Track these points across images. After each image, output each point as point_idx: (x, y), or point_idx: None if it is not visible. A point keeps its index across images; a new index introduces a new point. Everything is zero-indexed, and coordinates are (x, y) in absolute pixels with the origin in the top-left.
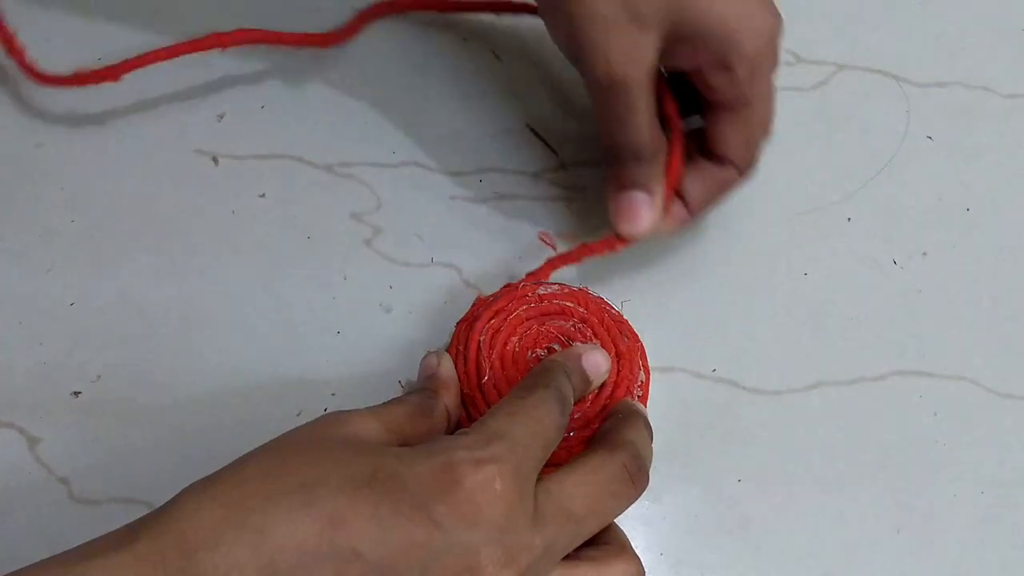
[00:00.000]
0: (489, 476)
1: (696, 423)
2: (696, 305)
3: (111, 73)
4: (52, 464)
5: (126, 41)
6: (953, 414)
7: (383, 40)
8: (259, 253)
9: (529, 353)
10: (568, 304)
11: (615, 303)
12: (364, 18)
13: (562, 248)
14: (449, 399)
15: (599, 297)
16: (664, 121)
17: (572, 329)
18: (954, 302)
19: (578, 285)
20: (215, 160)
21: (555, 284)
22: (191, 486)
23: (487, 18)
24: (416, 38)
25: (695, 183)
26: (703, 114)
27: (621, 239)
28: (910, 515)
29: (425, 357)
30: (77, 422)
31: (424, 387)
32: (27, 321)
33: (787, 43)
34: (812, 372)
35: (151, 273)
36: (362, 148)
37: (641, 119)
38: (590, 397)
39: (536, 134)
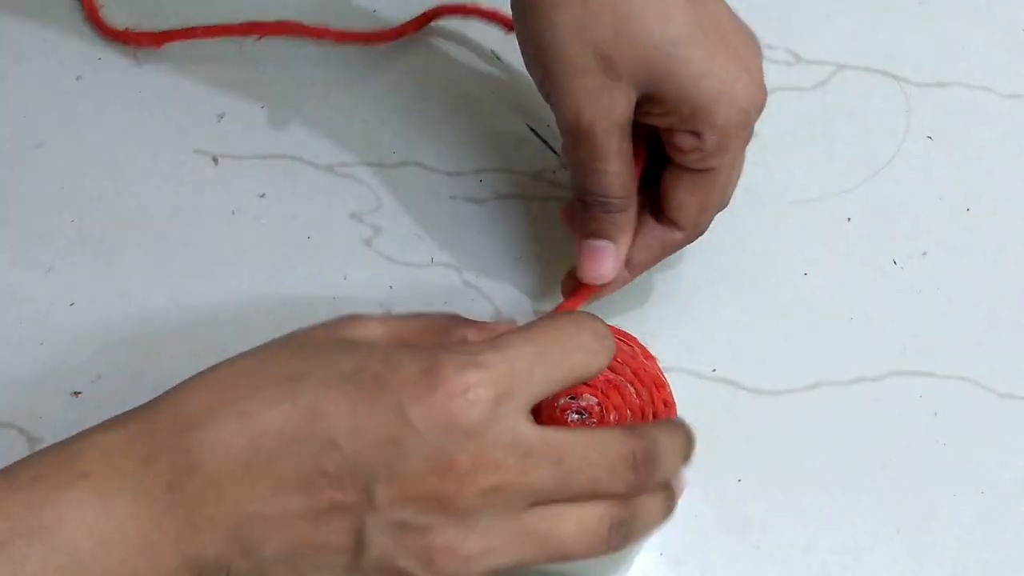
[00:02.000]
0: (467, 383)
1: (696, 423)
2: (696, 305)
3: (155, 40)
4: None
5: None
6: (953, 414)
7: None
8: (259, 253)
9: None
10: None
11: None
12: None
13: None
14: (474, 333)
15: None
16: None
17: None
18: (954, 302)
19: None
20: (215, 160)
21: None
22: (187, 379)
23: (487, 18)
24: (416, 38)
25: (640, 245)
26: (663, 172)
27: (586, 288)
28: (910, 515)
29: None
30: (77, 422)
31: (455, 314)
32: (27, 321)
33: (787, 43)
34: (812, 372)
35: (151, 273)
36: (362, 148)
37: (609, 168)
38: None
39: (536, 134)
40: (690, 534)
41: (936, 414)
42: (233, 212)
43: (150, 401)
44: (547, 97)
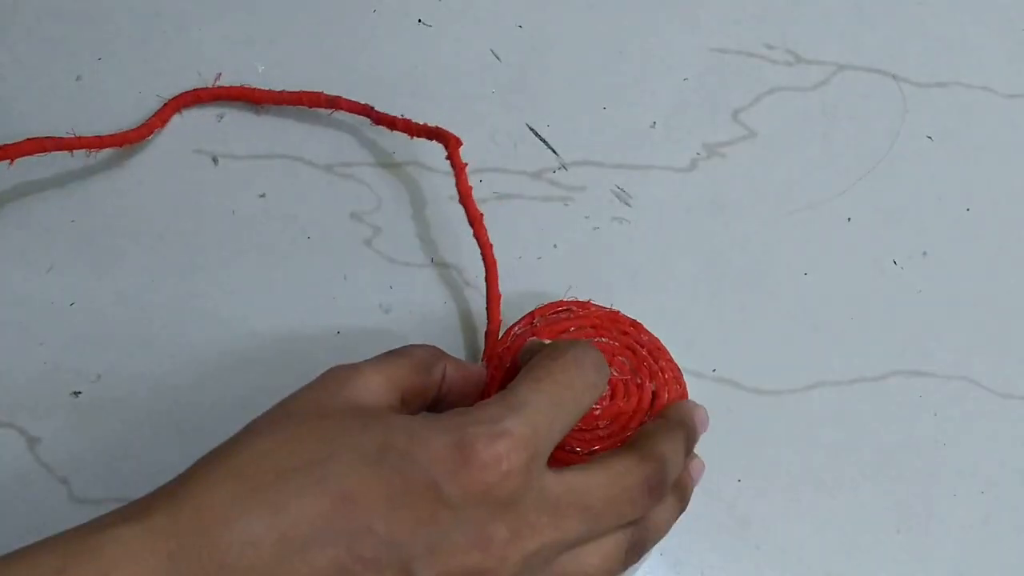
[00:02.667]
0: (500, 453)
1: None
2: (696, 305)
3: None
4: (52, 464)
5: None
6: (953, 414)
7: (383, 40)
8: (259, 253)
9: None
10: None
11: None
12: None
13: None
14: (451, 367)
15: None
16: None
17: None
18: (954, 302)
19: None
20: (215, 160)
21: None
22: (204, 460)
23: (487, 18)
24: (412, 38)
25: None
26: None
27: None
28: (910, 515)
29: None
30: (77, 422)
31: (428, 345)
32: (27, 321)
33: (787, 43)
34: (812, 372)
35: (151, 273)
36: (362, 148)
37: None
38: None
39: (536, 134)
40: (690, 534)
41: (936, 414)
42: (233, 212)
43: (168, 485)
44: None
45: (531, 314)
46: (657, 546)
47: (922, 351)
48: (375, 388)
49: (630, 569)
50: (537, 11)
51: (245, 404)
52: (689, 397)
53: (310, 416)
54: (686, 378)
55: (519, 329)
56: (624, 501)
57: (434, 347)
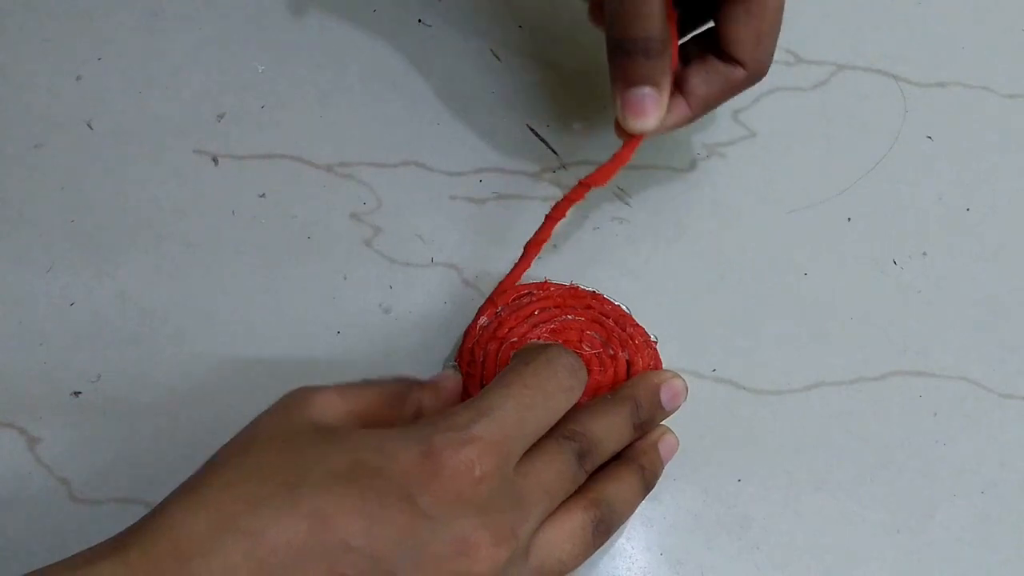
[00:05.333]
0: (469, 460)
1: (696, 423)
2: (696, 305)
3: None
4: (52, 464)
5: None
6: (953, 414)
7: (383, 40)
8: (259, 253)
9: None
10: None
11: (623, 306)
12: None
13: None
14: (427, 397)
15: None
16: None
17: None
18: (954, 302)
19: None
20: (215, 160)
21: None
22: (174, 495)
23: (487, 18)
24: (416, 38)
25: (700, 80)
26: (715, 13)
27: (587, 182)
28: (910, 515)
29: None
30: (77, 422)
31: (405, 378)
32: (27, 321)
33: (787, 43)
34: (812, 372)
35: (151, 273)
36: (362, 148)
37: (652, 10)
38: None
39: (536, 134)
40: (690, 534)
41: (936, 414)
42: (233, 212)
43: (142, 522)
44: None
45: (491, 302)
46: (657, 546)
47: (922, 351)
48: (337, 409)
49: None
50: (537, 11)
51: (245, 404)
52: (663, 363)
53: (275, 440)
54: (686, 378)
55: (484, 320)
56: (568, 476)
57: (409, 380)
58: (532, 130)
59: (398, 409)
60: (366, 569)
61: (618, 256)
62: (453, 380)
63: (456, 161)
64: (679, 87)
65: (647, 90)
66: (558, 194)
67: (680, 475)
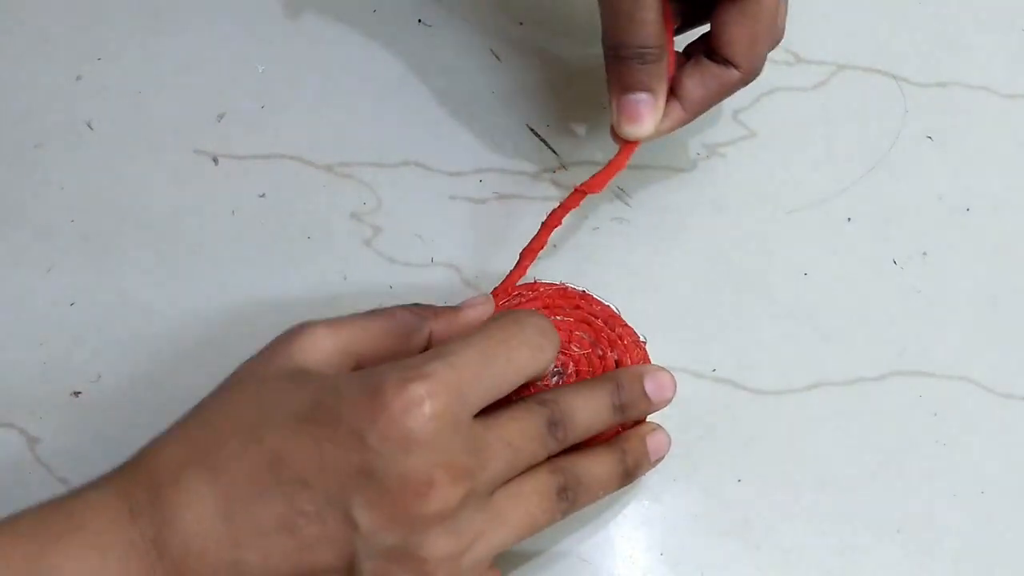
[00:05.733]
0: (415, 398)
1: (696, 423)
2: (696, 305)
3: None
4: (52, 464)
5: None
6: (953, 414)
7: (383, 40)
8: (259, 253)
9: None
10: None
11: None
12: None
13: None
14: (440, 328)
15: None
16: None
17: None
18: (954, 302)
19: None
20: (215, 160)
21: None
22: (166, 430)
23: (487, 18)
24: (416, 38)
25: (694, 83)
26: (710, 13)
27: (583, 188)
28: (910, 515)
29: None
30: (77, 422)
31: (420, 307)
32: (27, 321)
33: (787, 43)
34: (812, 372)
35: (151, 273)
36: (362, 148)
37: (648, 16)
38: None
39: (536, 134)
40: (690, 534)
41: (936, 414)
42: (233, 212)
43: (134, 454)
44: None
45: None
46: (657, 546)
47: (922, 351)
48: (323, 350)
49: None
50: (537, 10)
51: None
52: (651, 359)
53: (251, 382)
54: (686, 378)
55: None
56: (533, 437)
57: (421, 309)
58: (532, 130)
59: (404, 343)
60: (323, 504)
61: (618, 256)
62: (479, 310)
63: (456, 161)
64: (673, 90)
65: (643, 96)
66: (558, 194)
67: (680, 475)
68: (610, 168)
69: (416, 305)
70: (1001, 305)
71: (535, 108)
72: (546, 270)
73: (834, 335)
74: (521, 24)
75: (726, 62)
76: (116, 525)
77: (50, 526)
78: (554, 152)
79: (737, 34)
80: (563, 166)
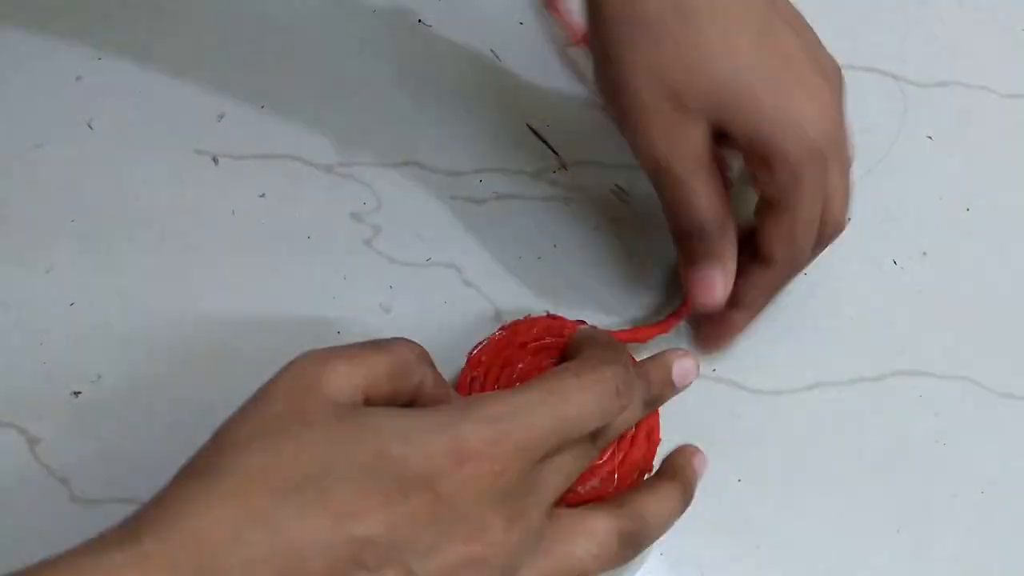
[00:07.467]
0: (495, 456)
1: (696, 423)
2: None
3: None
4: (52, 464)
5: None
6: (953, 414)
7: (383, 40)
8: (259, 253)
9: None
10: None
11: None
12: None
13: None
14: (430, 380)
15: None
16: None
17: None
18: (954, 302)
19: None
20: (215, 160)
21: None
22: (188, 477)
23: (487, 18)
24: (416, 38)
25: (742, 283)
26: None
27: (675, 316)
28: (910, 515)
29: None
30: (77, 422)
31: (408, 344)
32: (27, 321)
33: None
34: (812, 372)
35: (151, 273)
36: (362, 148)
37: (696, 200)
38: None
39: (536, 134)
40: (690, 534)
41: (936, 414)
42: (233, 212)
43: (152, 509)
44: (626, 137)
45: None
46: (657, 546)
47: (922, 351)
48: (348, 382)
49: (631, 569)
50: (537, 10)
51: None
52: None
53: (294, 424)
54: None
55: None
56: (580, 455)
57: (421, 349)
58: (532, 130)
59: (402, 382)
60: (384, 557)
61: (618, 256)
62: (446, 388)
63: (456, 161)
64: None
65: (711, 269)
66: (558, 194)
67: None
68: (678, 314)
69: (412, 345)
70: (1001, 305)
71: (535, 108)
72: (546, 269)
73: (834, 335)
74: (521, 24)
75: (764, 259)
76: None
77: None
78: (554, 152)
79: (774, 235)
80: (563, 166)
